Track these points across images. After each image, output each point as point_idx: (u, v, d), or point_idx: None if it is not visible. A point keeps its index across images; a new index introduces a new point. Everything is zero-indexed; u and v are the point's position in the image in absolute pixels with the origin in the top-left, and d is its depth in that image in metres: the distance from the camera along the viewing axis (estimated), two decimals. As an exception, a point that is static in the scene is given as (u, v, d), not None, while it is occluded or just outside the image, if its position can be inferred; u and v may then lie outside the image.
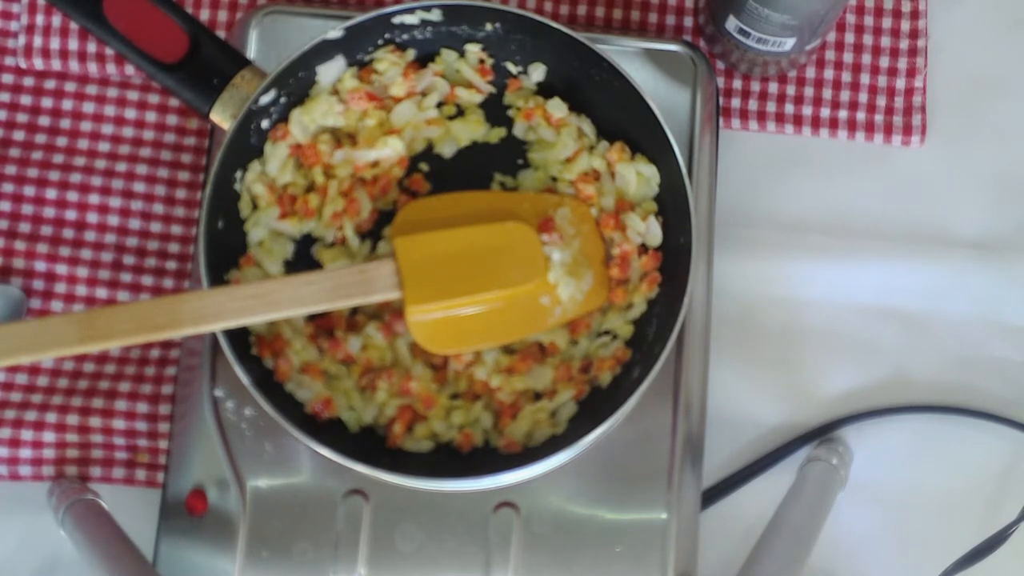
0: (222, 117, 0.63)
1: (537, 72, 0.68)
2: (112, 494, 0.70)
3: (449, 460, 0.64)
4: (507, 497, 0.65)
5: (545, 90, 0.69)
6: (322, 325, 0.65)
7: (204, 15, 0.76)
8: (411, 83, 0.67)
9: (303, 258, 0.67)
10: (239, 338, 0.63)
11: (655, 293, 0.66)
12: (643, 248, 0.66)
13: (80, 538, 0.66)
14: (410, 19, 0.66)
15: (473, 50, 0.68)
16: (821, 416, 0.73)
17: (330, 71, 0.67)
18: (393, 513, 0.65)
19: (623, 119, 0.67)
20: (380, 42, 0.67)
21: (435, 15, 0.66)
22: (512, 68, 0.69)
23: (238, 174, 0.65)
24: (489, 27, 0.67)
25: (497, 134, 0.69)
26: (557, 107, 0.67)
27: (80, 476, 0.71)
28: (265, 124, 0.65)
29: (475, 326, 0.64)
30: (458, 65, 0.68)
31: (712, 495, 0.71)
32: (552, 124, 0.68)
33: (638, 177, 0.66)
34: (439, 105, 0.69)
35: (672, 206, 0.65)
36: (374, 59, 0.67)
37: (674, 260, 0.64)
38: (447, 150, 0.69)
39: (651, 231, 0.66)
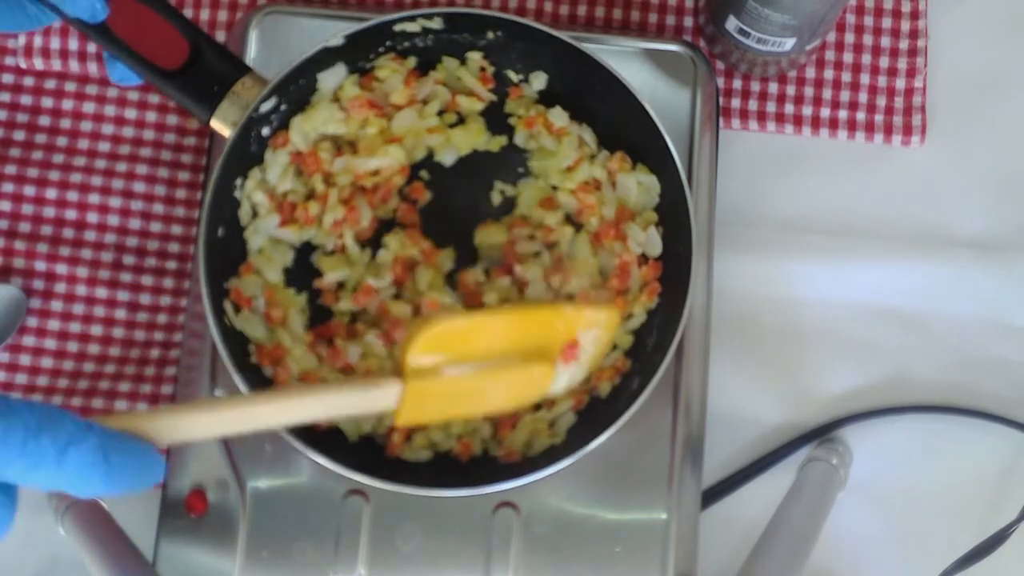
0: (222, 124, 0.63)
1: (538, 80, 0.68)
2: (112, 494, 0.70)
3: (448, 469, 0.64)
4: (507, 497, 0.65)
5: (546, 98, 0.69)
6: (321, 333, 0.65)
7: (204, 15, 0.76)
8: (412, 91, 0.67)
9: (303, 266, 0.67)
10: (238, 346, 0.63)
11: (655, 303, 0.66)
12: (643, 258, 0.66)
13: (80, 538, 0.66)
14: (411, 27, 0.66)
15: (475, 57, 0.68)
16: (821, 416, 0.73)
17: (331, 78, 0.67)
18: (393, 513, 0.65)
19: (624, 128, 0.67)
20: (381, 49, 0.67)
21: (436, 23, 0.66)
22: (513, 76, 0.69)
23: (238, 181, 0.65)
24: (490, 35, 0.67)
25: (498, 142, 0.69)
26: (558, 116, 0.67)
27: (80, 476, 0.71)
28: (266, 131, 0.65)
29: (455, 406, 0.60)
30: (459, 72, 0.68)
31: (712, 495, 0.71)
32: (553, 133, 0.68)
33: (639, 187, 0.66)
34: (440, 113, 0.69)
35: (672, 216, 0.65)
36: (375, 66, 0.67)
37: (674, 270, 0.64)
38: (448, 158, 0.68)
39: (651, 241, 0.66)
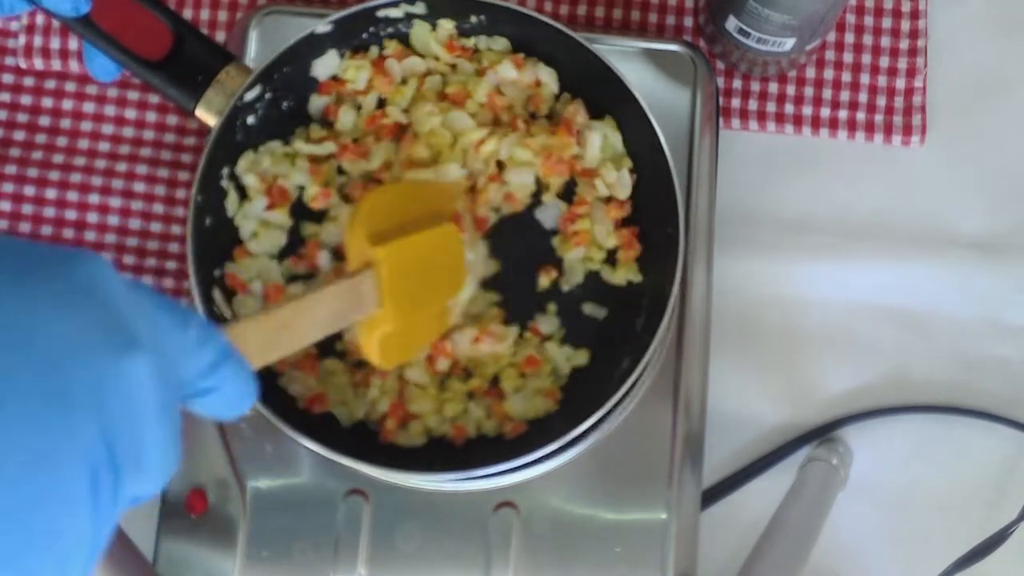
0: (208, 113, 0.63)
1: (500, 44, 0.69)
2: (112, 494, 0.70)
3: (443, 454, 0.63)
4: (507, 497, 0.65)
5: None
6: None
7: (204, 15, 0.76)
8: (390, 76, 0.67)
9: (296, 245, 0.66)
10: None
11: (637, 252, 0.65)
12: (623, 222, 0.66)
13: (80, 538, 0.66)
14: (395, 12, 0.66)
15: (446, 25, 0.67)
16: (821, 416, 0.73)
17: (324, 66, 0.67)
18: (393, 513, 0.65)
19: (618, 118, 0.67)
20: (366, 36, 0.67)
21: (419, 8, 0.66)
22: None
23: (225, 171, 0.65)
24: (474, 19, 0.67)
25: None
26: (507, 70, 0.67)
27: (80, 476, 0.71)
28: (251, 120, 0.65)
29: (414, 337, 0.60)
30: (427, 38, 0.68)
31: (712, 495, 0.71)
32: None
33: (604, 141, 0.66)
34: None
35: (660, 195, 0.64)
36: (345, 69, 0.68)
37: (662, 250, 0.64)
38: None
39: (621, 183, 0.66)
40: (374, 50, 0.68)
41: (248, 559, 0.65)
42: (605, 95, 0.66)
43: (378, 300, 0.54)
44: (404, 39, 0.68)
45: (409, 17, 0.67)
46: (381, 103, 0.68)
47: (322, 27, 0.65)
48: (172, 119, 0.75)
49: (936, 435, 0.72)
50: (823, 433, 0.72)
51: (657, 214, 0.65)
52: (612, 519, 0.66)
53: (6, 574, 0.31)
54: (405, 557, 0.65)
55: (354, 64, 0.67)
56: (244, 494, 0.66)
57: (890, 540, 0.71)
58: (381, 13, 0.66)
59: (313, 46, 0.66)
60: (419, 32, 0.68)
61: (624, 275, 0.66)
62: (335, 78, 0.67)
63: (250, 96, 0.64)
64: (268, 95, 0.65)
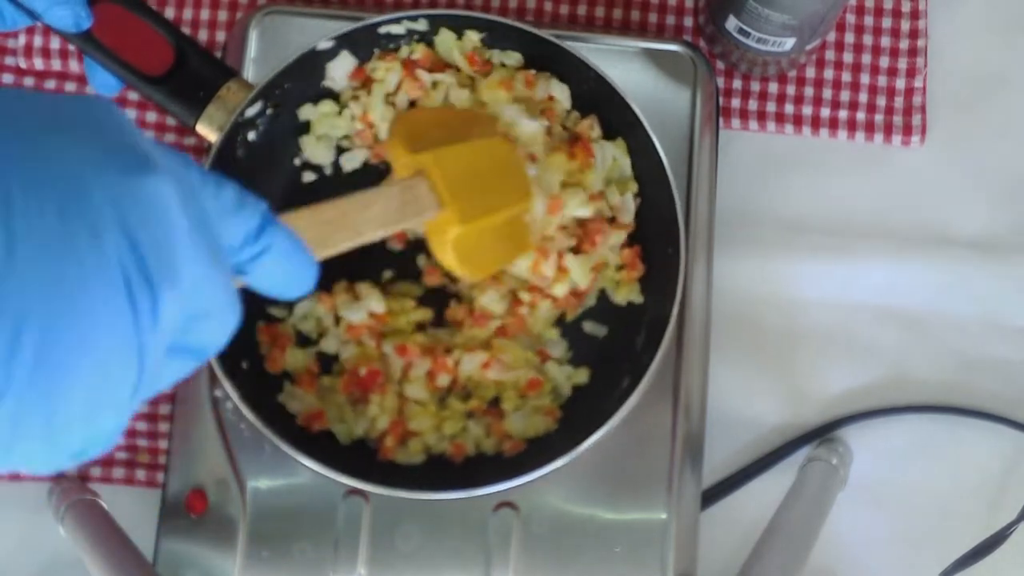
0: (208, 129, 0.63)
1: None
2: (112, 494, 0.70)
3: (442, 471, 0.64)
4: (507, 497, 0.65)
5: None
6: None
7: (204, 15, 0.76)
8: (420, 80, 0.67)
9: None
10: (229, 353, 0.62)
11: (640, 272, 0.66)
12: (628, 243, 0.66)
13: (80, 538, 0.66)
14: (397, 29, 0.66)
15: (472, 37, 0.67)
16: (821, 416, 0.73)
17: (340, 68, 0.67)
18: (393, 513, 0.65)
19: (621, 135, 0.67)
20: (365, 54, 0.67)
21: (421, 24, 0.66)
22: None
23: None
24: (475, 36, 0.67)
25: None
26: (521, 82, 0.67)
27: (80, 476, 0.71)
28: (252, 136, 0.65)
29: (493, 247, 0.59)
30: (453, 46, 0.68)
31: (712, 495, 0.71)
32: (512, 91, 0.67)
33: (613, 163, 0.66)
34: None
35: (661, 218, 0.64)
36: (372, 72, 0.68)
37: (663, 270, 0.64)
38: None
39: (625, 207, 0.66)
40: (405, 50, 0.68)
41: (248, 559, 0.65)
42: (612, 116, 0.66)
43: (438, 202, 0.54)
44: (430, 44, 0.68)
45: (411, 34, 0.67)
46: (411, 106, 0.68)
47: (323, 44, 0.65)
48: (172, 119, 0.75)
49: (936, 435, 0.72)
50: (823, 433, 0.72)
51: (658, 234, 0.65)
52: (612, 519, 0.66)
53: (48, 379, 0.31)
54: (405, 557, 0.65)
55: (383, 65, 0.67)
56: (244, 494, 0.66)
57: (890, 540, 0.71)
58: (383, 30, 0.66)
59: (315, 62, 0.66)
60: (444, 39, 0.67)
61: (625, 295, 0.66)
62: (365, 76, 0.67)
63: (251, 112, 0.64)
64: (269, 111, 0.65)
